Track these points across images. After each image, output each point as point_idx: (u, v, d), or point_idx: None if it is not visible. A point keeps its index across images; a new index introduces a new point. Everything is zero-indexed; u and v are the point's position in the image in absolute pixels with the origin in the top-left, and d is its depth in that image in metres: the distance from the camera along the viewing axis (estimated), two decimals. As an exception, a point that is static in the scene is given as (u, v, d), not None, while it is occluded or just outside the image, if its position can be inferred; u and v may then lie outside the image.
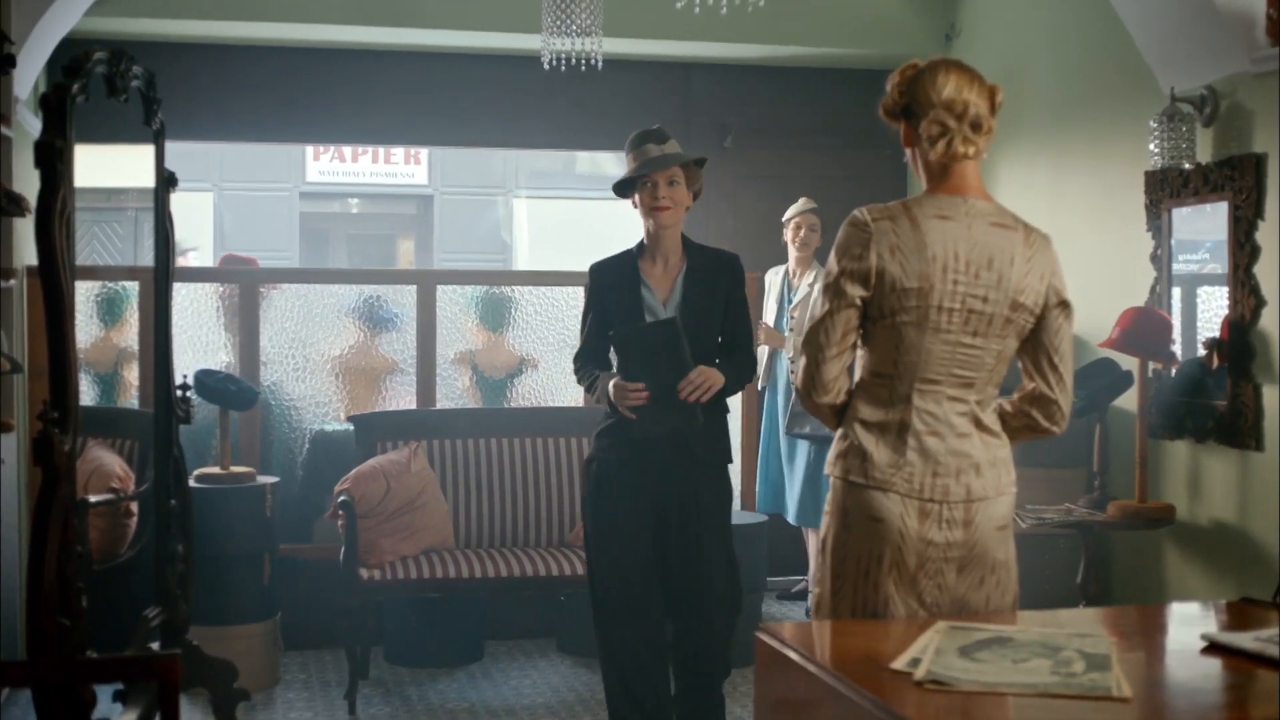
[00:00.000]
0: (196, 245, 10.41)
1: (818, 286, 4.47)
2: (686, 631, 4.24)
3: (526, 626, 6.32)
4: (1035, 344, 2.99)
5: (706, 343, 4.20)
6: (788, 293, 6.61)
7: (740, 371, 4.26)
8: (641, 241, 4.31)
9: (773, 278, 6.73)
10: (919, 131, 2.97)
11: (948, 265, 2.88)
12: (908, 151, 3.06)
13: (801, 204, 6.64)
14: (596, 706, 5.38)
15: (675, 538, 4.20)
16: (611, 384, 4.12)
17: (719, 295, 4.24)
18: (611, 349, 4.25)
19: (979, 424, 2.95)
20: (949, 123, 2.93)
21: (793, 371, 6.41)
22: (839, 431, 3.01)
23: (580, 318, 4.47)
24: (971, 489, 2.91)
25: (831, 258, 2.96)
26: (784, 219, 6.65)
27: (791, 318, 6.55)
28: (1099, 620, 2.86)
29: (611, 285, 4.29)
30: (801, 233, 6.56)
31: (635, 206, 4.31)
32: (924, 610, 2.89)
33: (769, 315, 6.65)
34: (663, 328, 4.07)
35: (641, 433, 4.08)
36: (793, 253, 6.62)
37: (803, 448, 6.39)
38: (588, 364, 4.35)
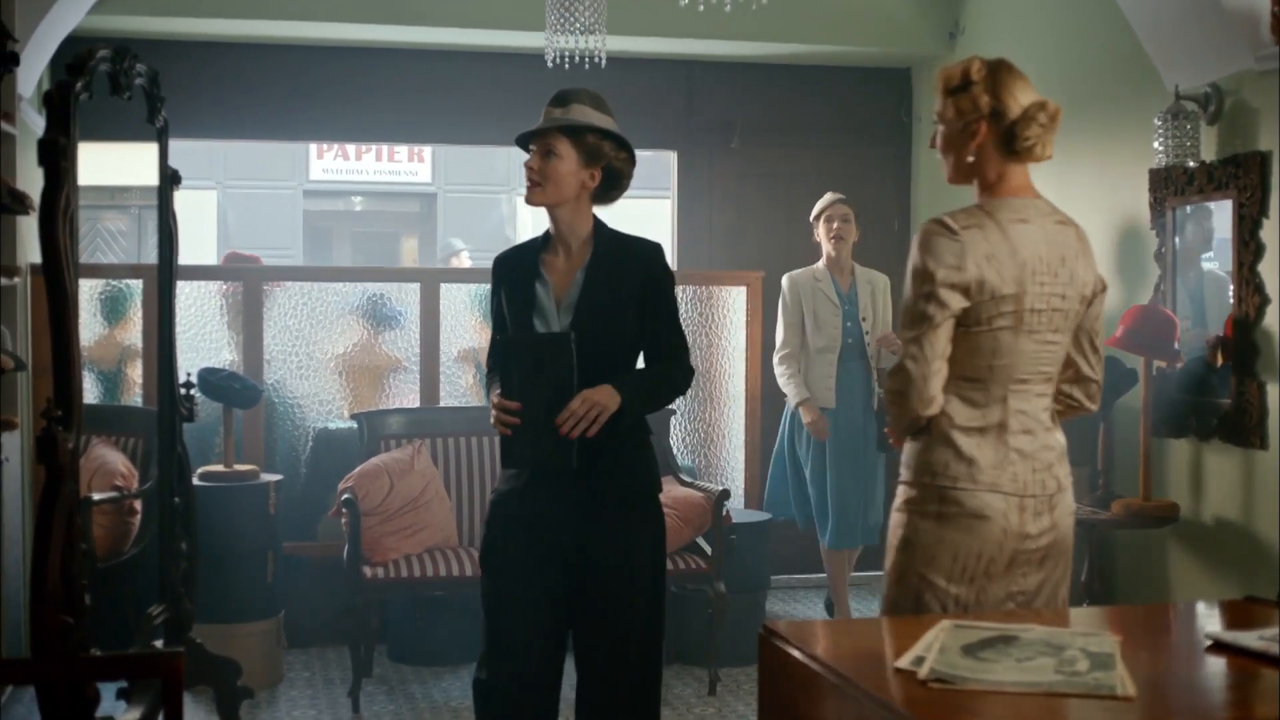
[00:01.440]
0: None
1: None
2: (595, 692, 3.51)
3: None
4: (1079, 328, 3.12)
5: (612, 350, 3.45)
6: (840, 297, 6.17)
7: (654, 387, 3.48)
8: (548, 230, 3.61)
9: (808, 285, 6.18)
10: (1012, 132, 3.02)
11: (1035, 268, 2.97)
12: (966, 150, 3.06)
13: (829, 196, 6.28)
14: (600, 704, 5.38)
15: (580, 592, 3.47)
16: (492, 398, 3.44)
17: (627, 292, 3.46)
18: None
19: (1053, 416, 3.10)
20: (1045, 123, 3.03)
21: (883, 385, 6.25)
22: (924, 439, 3.03)
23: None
24: (1060, 480, 3.06)
25: (921, 266, 2.96)
26: (813, 215, 6.28)
27: (864, 321, 6.18)
28: (1103, 619, 2.86)
29: (509, 279, 3.57)
30: (834, 225, 6.15)
31: None
32: (1010, 603, 3.00)
33: (827, 323, 6.14)
34: (553, 342, 3.37)
35: (506, 463, 3.44)
36: (828, 250, 6.19)
37: (878, 468, 6.13)
38: (493, 373, 3.61)
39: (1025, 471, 2.99)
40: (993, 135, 3.04)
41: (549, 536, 3.45)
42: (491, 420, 3.40)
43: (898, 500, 3.09)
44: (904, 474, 3.09)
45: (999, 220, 2.98)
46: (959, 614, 2.89)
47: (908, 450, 3.09)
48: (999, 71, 3.05)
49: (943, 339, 2.95)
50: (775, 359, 6.22)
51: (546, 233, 3.59)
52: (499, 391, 3.40)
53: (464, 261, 9.58)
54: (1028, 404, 3.02)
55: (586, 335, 3.38)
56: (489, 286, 6.73)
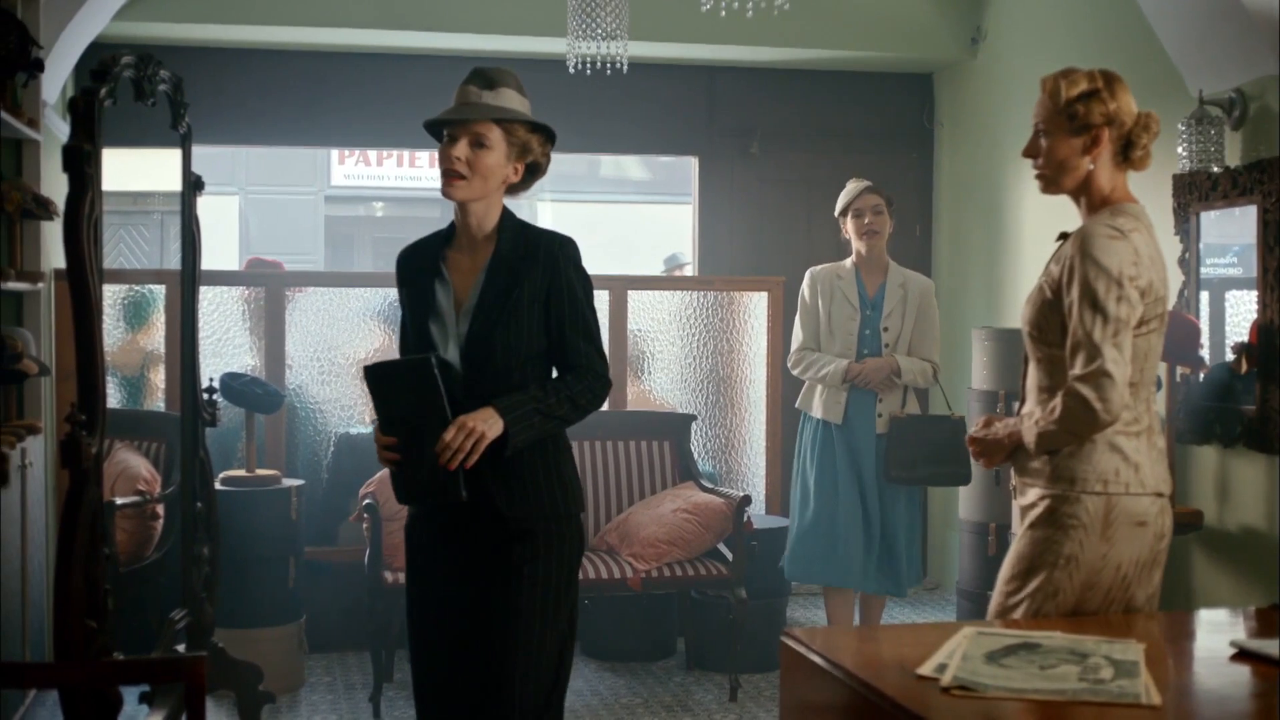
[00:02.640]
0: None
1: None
2: None
3: (550, 630, 6.31)
4: None
5: (514, 362, 3.10)
6: (863, 300, 5.48)
7: (548, 407, 3.08)
8: (453, 221, 3.24)
9: (829, 282, 5.52)
10: (1130, 139, 3.07)
11: (1167, 271, 3.04)
12: (1084, 158, 3.06)
13: (856, 185, 5.53)
14: (620, 710, 5.38)
15: (480, 619, 3.12)
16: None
17: (531, 293, 3.09)
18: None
19: None
20: (1156, 132, 3.10)
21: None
22: (1082, 448, 2.96)
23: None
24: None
25: (1108, 268, 2.92)
26: (839, 208, 5.56)
27: (885, 331, 5.44)
28: (1127, 626, 2.85)
29: (410, 280, 3.23)
30: (866, 219, 5.45)
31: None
32: (1149, 605, 3.03)
33: (842, 327, 5.46)
34: (413, 370, 3.05)
35: (399, 499, 3.17)
36: (858, 248, 5.49)
37: (901, 496, 5.41)
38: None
39: (1164, 470, 3.03)
40: (1112, 143, 3.06)
41: (463, 568, 3.14)
42: (378, 456, 3.11)
43: (1045, 513, 2.98)
44: (1053, 487, 2.98)
45: (1145, 225, 3.02)
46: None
47: (1050, 462, 3.00)
48: (1114, 80, 3.08)
49: (1131, 342, 2.95)
50: (789, 362, 5.62)
51: (452, 224, 3.23)
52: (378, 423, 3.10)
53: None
54: (1154, 404, 3.06)
55: (483, 347, 3.08)
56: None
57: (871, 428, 5.44)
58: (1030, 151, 3.15)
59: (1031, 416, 3.03)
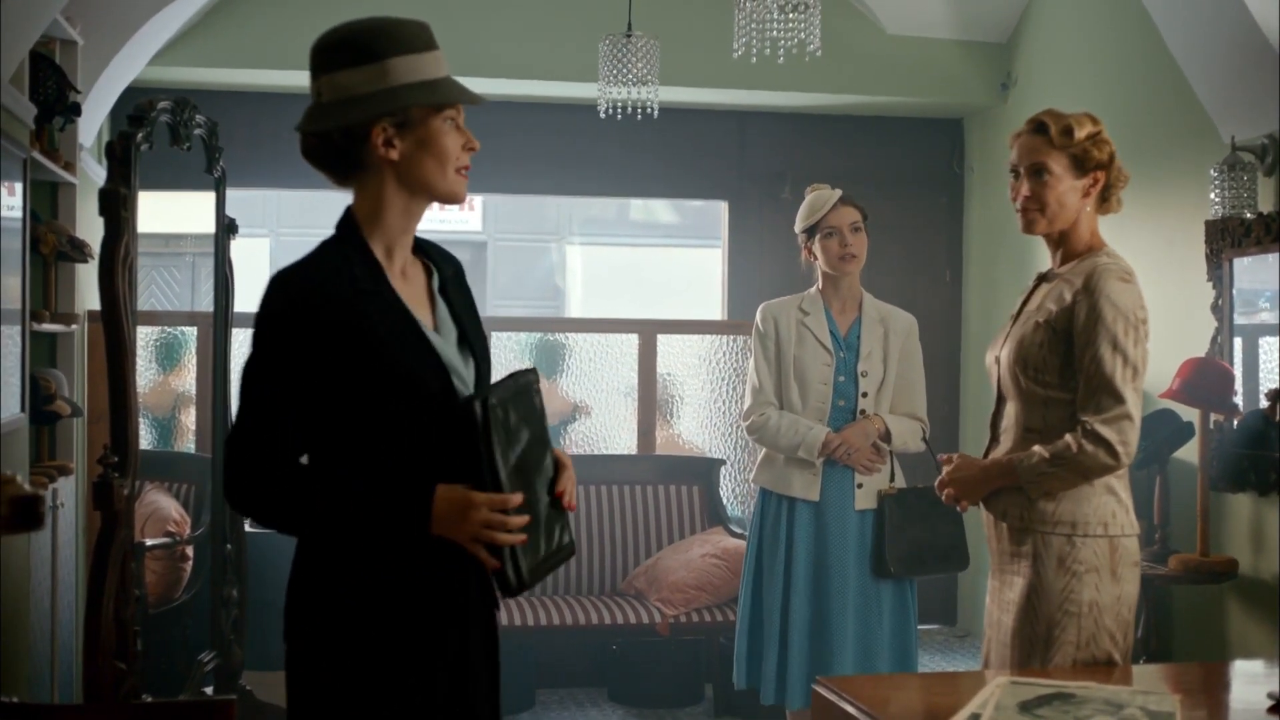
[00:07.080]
0: None
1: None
2: None
3: (578, 675, 6.29)
4: None
5: None
6: (835, 342, 4.33)
7: None
8: (352, 224, 2.46)
9: (790, 320, 4.37)
10: (1110, 182, 3.04)
11: None
12: (1084, 199, 3.03)
13: (826, 193, 4.38)
14: (648, 757, 5.34)
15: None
16: (445, 497, 2.18)
17: (477, 319, 2.44)
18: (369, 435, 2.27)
19: None
20: (1126, 179, 3.07)
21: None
22: (1083, 490, 2.91)
23: (258, 388, 2.41)
24: None
25: (1130, 314, 2.91)
26: (804, 223, 4.39)
27: (863, 377, 4.31)
28: (1162, 677, 2.81)
29: (347, 306, 2.25)
30: (844, 239, 4.29)
31: (381, 149, 2.45)
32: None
33: (815, 375, 4.30)
34: (523, 389, 2.28)
35: (520, 587, 2.24)
36: (828, 272, 4.35)
37: (887, 591, 4.24)
38: (279, 472, 2.40)
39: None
40: (1092, 186, 3.03)
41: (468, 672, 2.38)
42: (474, 546, 2.20)
43: (1053, 560, 2.88)
44: (1053, 532, 2.89)
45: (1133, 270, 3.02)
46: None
47: (1039, 505, 2.91)
48: (1102, 128, 3.05)
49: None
50: (746, 422, 4.38)
51: (359, 240, 2.41)
52: (469, 486, 2.18)
53: None
54: None
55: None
56: (539, 336, 6.40)
57: (849, 504, 4.27)
58: (1034, 191, 3.00)
59: (1031, 457, 2.89)
